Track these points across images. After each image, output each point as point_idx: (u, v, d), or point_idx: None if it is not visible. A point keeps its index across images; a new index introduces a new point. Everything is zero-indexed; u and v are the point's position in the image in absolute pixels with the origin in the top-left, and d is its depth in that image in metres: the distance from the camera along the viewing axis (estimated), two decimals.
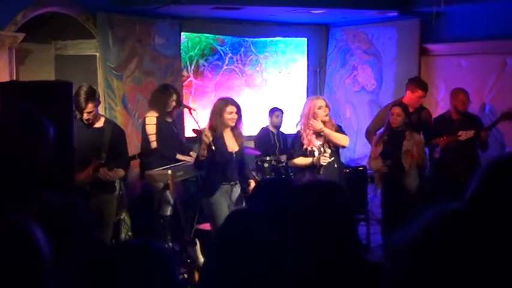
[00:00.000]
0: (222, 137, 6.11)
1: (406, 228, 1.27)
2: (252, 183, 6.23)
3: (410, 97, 7.25)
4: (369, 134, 7.48)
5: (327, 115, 6.13)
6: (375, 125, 7.58)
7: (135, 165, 6.92)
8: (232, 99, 6.27)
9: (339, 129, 6.29)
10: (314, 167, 6.12)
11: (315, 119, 6.13)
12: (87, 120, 5.75)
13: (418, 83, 7.36)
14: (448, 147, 6.95)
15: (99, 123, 5.92)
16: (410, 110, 6.93)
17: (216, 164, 6.13)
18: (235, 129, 6.18)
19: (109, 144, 5.87)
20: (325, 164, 6.06)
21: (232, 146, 6.13)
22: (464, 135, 6.88)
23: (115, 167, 5.85)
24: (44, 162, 2.42)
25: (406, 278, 1.21)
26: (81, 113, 5.68)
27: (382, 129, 6.97)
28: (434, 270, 1.15)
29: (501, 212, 1.22)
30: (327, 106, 6.16)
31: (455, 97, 7.10)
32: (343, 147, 6.30)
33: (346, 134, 6.34)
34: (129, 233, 7.39)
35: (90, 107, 5.68)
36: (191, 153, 7.35)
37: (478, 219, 1.20)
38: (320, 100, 6.27)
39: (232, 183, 6.11)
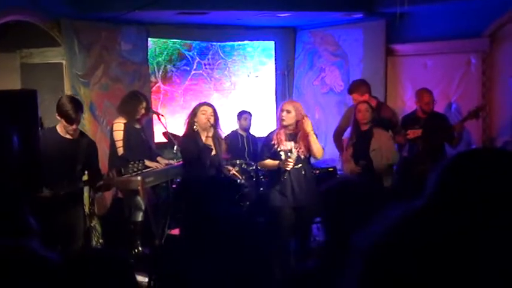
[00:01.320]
0: (200, 138, 6.14)
1: (369, 228, 1.28)
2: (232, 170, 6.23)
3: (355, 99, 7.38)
4: (337, 136, 7.53)
5: (283, 120, 6.12)
6: (341, 126, 7.65)
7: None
8: (208, 102, 6.38)
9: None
10: (280, 170, 6.13)
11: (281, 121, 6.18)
12: (71, 133, 5.74)
13: (362, 85, 7.50)
14: (415, 148, 7.02)
15: (75, 135, 5.86)
16: None
17: (190, 165, 6.17)
18: (214, 134, 6.21)
19: (85, 156, 5.89)
20: (288, 169, 6.08)
21: (210, 143, 6.17)
22: (411, 133, 7.00)
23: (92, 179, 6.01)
24: (7, 170, 2.41)
25: (364, 279, 1.22)
26: (72, 124, 5.64)
27: (349, 132, 7.02)
28: (395, 271, 1.16)
29: (459, 207, 1.23)
30: (288, 111, 6.12)
31: (420, 98, 7.19)
32: (315, 158, 6.28)
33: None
34: (100, 240, 7.35)
35: (80, 116, 5.71)
36: (158, 158, 7.34)
37: (438, 215, 1.21)
38: (284, 104, 6.27)
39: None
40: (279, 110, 6.27)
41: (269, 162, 6.27)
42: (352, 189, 2.75)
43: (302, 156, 6.15)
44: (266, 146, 6.32)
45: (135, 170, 6.32)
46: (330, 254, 2.66)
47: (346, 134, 7.43)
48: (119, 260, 1.84)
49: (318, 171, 7.54)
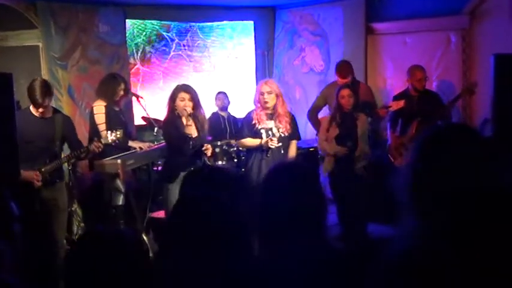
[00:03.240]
0: (181, 124, 6.07)
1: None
2: (209, 147, 6.19)
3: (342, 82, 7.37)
4: (312, 113, 7.50)
5: (266, 102, 6.13)
6: (318, 105, 7.63)
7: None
8: (186, 86, 6.19)
9: (292, 119, 6.30)
10: (262, 149, 6.13)
11: (260, 104, 6.16)
12: (42, 113, 5.82)
13: (344, 68, 7.49)
14: (408, 129, 7.00)
15: (48, 114, 5.95)
16: None
17: (173, 150, 6.13)
18: (196, 115, 6.13)
19: (61, 133, 6.01)
20: (273, 147, 6.07)
21: (190, 132, 6.09)
22: (394, 105, 6.98)
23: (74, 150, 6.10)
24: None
25: None
26: (38, 108, 5.75)
27: (328, 111, 7.02)
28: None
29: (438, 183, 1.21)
30: (269, 93, 6.13)
31: (412, 75, 7.15)
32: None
33: (296, 121, 6.40)
34: (81, 224, 7.29)
35: (47, 102, 5.76)
36: (130, 142, 7.27)
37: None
38: (264, 86, 6.24)
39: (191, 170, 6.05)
40: (258, 92, 6.23)
41: (250, 140, 6.26)
42: (290, 173, 2.69)
43: (283, 135, 6.15)
44: (246, 125, 6.31)
45: (114, 138, 6.24)
46: None
47: (323, 112, 7.43)
48: (128, 238, 1.82)
49: (299, 151, 7.51)
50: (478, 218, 1.13)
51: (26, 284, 1.86)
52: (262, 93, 6.16)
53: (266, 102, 6.13)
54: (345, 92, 6.68)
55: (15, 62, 7.63)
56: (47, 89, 5.76)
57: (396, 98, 7.33)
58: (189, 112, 6.02)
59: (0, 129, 2.50)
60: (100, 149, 6.12)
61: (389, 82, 8.66)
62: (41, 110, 5.77)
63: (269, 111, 6.19)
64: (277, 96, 6.16)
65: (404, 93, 7.28)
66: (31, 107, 5.85)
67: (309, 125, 8.11)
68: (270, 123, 6.17)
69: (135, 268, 1.76)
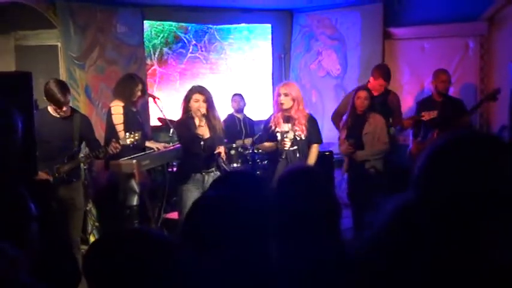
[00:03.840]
0: (193, 125, 6.09)
1: (372, 221, 1.24)
2: (221, 149, 6.21)
3: (372, 83, 7.28)
4: (336, 117, 7.47)
5: (282, 104, 6.15)
6: (340, 110, 7.59)
7: None
8: (201, 87, 6.21)
9: (310, 120, 6.30)
10: (278, 151, 6.17)
11: (276, 105, 6.20)
12: (65, 112, 5.91)
13: (382, 72, 7.33)
14: (430, 134, 6.97)
15: (67, 113, 6.02)
16: (375, 94, 6.97)
17: (186, 152, 6.16)
18: (209, 117, 6.15)
19: (79, 133, 6.09)
20: (286, 149, 6.08)
21: (203, 133, 6.10)
22: (427, 115, 6.94)
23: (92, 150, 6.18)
24: (14, 154, 2.38)
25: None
26: (61, 106, 5.83)
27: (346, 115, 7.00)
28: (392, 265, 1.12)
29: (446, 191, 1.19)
30: (286, 95, 6.15)
31: (436, 77, 7.12)
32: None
33: (317, 125, 6.39)
34: (96, 224, 7.32)
35: (68, 98, 5.88)
36: (147, 143, 7.30)
37: (428, 205, 1.17)
38: (281, 88, 6.27)
39: (204, 171, 6.07)
40: (276, 94, 6.28)
41: (267, 144, 6.34)
42: (300, 177, 2.70)
43: (298, 138, 6.16)
44: (265, 128, 6.41)
45: (133, 140, 6.29)
46: None
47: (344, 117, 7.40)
48: (162, 240, 1.82)
49: None
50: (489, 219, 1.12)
51: (43, 284, 1.86)
52: (279, 95, 6.20)
53: (282, 104, 6.15)
54: (363, 93, 6.68)
55: (34, 62, 7.68)
56: (64, 87, 5.89)
57: (420, 103, 7.30)
58: (202, 113, 6.04)
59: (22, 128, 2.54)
60: (118, 150, 6.16)
61: (405, 88, 8.64)
62: (64, 108, 5.85)
63: (286, 113, 6.20)
64: (293, 100, 6.16)
65: (428, 99, 7.25)
66: (49, 107, 5.94)
67: (325, 128, 8.10)
68: (287, 126, 6.19)
69: (160, 267, 1.76)
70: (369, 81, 7.40)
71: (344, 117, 7.06)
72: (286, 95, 6.16)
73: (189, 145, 6.10)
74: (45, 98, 5.84)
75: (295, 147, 6.15)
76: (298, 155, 6.18)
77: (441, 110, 6.98)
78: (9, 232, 1.79)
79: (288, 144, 6.10)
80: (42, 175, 5.61)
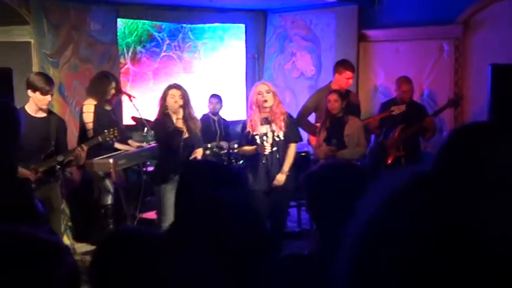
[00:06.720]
0: (171, 122, 6.07)
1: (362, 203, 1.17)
2: (198, 154, 6.20)
3: (338, 79, 7.32)
4: (301, 119, 7.45)
5: (265, 101, 6.10)
6: (306, 110, 7.59)
7: None
8: (177, 85, 6.32)
9: (288, 117, 6.28)
10: (258, 155, 6.13)
11: (256, 105, 6.15)
12: (48, 103, 6.02)
13: (345, 64, 7.41)
14: (390, 143, 7.02)
15: (43, 113, 6.05)
16: (345, 88, 7.06)
17: (165, 150, 6.12)
18: (185, 116, 6.14)
19: (55, 133, 6.11)
20: (266, 153, 6.05)
21: (181, 126, 6.10)
22: (396, 109, 7.00)
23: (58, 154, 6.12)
24: (15, 152, 2.35)
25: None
26: (46, 95, 5.88)
27: (314, 116, 7.05)
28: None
29: (466, 176, 1.16)
30: (267, 92, 6.13)
31: (399, 87, 7.22)
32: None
33: (295, 123, 6.42)
34: (69, 223, 7.22)
35: (53, 87, 6.02)
36: (129, 141, 7.25)
37: (445, 184, 1.13)
38: (260, 85, 6.25)
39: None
40: (254, 93, 6.20)
41: (246, 148, 6.27)
42: (334, 172, 2.69)
43: (277, 139, 6.14)
44: (243, 134, 6.34)
45: (112, 136, 6.28)
46: (319, 241, 2.62)
47: (315, 118, 7.42)
48: (154, 239, 1.79)
49: None
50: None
51: None
52: (260, 93, 6.13)
53: (265, 101, 6.09)
54: (332, 96, 6.73)
55: (7, 58, 7.52)
56: (47, 77, 6.02)
57: (384, 105, 7.37)
58: (180, 104, 6.05)
59: None
60: (84, 153, 6.19)
61: (380, 89, 8.69)
62: (49, 97, 5.91)
63: (265, 114, 6.15)
64: (274, 95, 6.15)
65: (392, 101, 7.34)
66: (26, 107, 5.91)
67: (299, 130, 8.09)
68: (264, 128, 6.15)
69: (163, 268, 1.74)
70: (331, 81, 7.43)
71: (316, 119, 7.08)
72: (267, 91, 6.13)
73: (169, 141, 6.06)
74: (27, 90, 5.85)
75: (275, 148, 6.13)
76: (277, 156, 6.15)
77: (403, 113, 7.03)
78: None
79: (268, 149, 6.06)
80: (25, 172, 5.55)
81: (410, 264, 0.99)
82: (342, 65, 7.39)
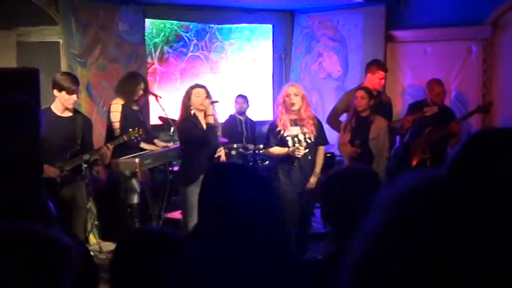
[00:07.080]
0: (198, 120, 6.10)
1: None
2: (222, 153, 6.21)
3: (370, 79, 7.29)
4: (332, 119, 7.45)
5: (293, 104, 6.09)
6: (337, 110, 7.57)
7: None
8: (199, 84, 6.37)
9: (318, 123, 6.28)
10: (289, 157, 6.10)
11: (283, 106, 6.14)
12: (74, 102, 6.07)
13: (378, 64, 7.41)
14: (417, 145, 6.96)
15: (69, 113, 6.11)
16: (377, 89, 7.01)
17: (191, 150, 6.13)
18: (215, 112, 6.20)
19: (81, 132, 6.15)
20: (300, 156, 6.04)
21: (212, 122, 6.15)
22: (429, 110, 6.92)
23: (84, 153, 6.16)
24: (37, 151, 2.37)
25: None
26: (72, 94, 5.94)
27: (345, 116, 7.00)
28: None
29: (480, 177, 1.16)
30: (296, 94, 6.12)
31: (431, 90, 7.14)
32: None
33: (322, 126, 6.41)
34: (96, 222, 7.28)
35: (79, 87, 6.15)
36: (155, 141, 7.29)
37: (459, 185, 1.11)
38: (290, 88, 6.24)
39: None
40: (283, 94, 6.19)
41: (277, 149, 6.21)
42: (353, 175, 2.69)
43: (309, 141, 6.13)
44: (271, 133, 6.26)
45: (136, 135, 6.32)
46: (334, 246, 2.61)
47: (344, 117, 7.39)
48: (173, 239, 1.80)
49: None
50: None
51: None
52: (288, 95, 6.12)
53: (293, 104, 6.08)
54: (360, 93, 6.72)
55: (36, 58, 7.61)
56: (74, 76, 6.10)
57: (412, 106, 7.31)
58: (210, 102, 6.08)
59: None
60: (110, 152, 6.22)
61: (408, 91, 8.63)
62: (75, 97, 5.96)
63: (293, 116, 6.14)
64: (302, 98, 6.14)
65: (422, 102, 7.26)
66: (52, 106, 6.01)
67: (325, 129, 8.08)
68: (295, 130, 6.14)
69: (181, 267, 1.75)
70: (363, 82, 7.41)
71: (343, 119, 7.05)
72: (296, 94, 6.12)
73: (202, 138, 6.05)
74: (53, 89, 5.94)
75: (306, 150, 6.11)
76: (310, 158, 6.16)
77: (433, 117, 6.96)
78: None
79: (302, 151, 6.03)
80: (48, 171, 5.59)
81: (422, 267, 0.99)
82: (375, 64, 7.40)
